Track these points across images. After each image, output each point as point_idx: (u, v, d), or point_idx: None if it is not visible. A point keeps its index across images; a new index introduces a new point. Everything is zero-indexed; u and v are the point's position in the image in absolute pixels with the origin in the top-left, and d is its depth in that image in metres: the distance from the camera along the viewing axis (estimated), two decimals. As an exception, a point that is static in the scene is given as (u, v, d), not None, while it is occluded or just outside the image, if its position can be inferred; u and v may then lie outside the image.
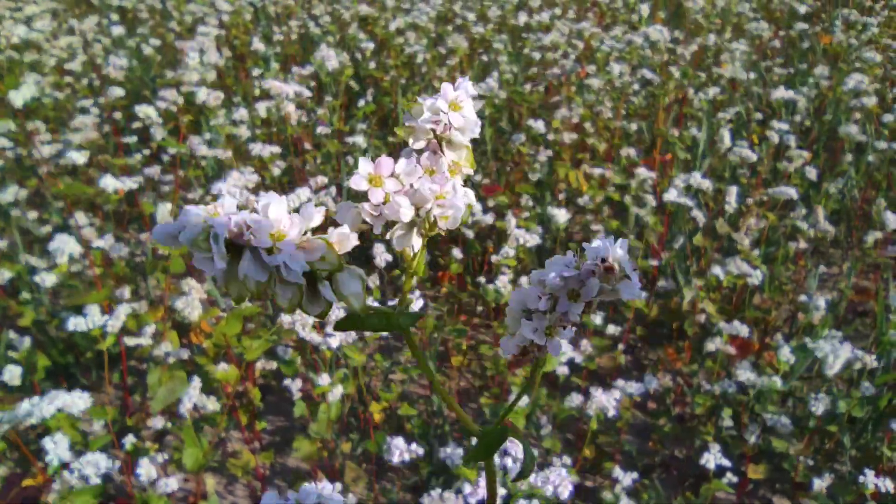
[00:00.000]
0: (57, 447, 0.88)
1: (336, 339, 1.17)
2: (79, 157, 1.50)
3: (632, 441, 1.76)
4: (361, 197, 0.35)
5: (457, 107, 0.35)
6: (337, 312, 1.15)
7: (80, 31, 2.89)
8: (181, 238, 0.29)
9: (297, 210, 0.31)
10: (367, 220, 0.34)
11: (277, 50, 3.17)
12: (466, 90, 0.36)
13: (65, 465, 0.92)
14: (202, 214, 0.29)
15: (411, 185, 0.35)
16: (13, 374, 1.25)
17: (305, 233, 0.31)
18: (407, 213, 0.34)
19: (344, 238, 0.33)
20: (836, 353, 1.34)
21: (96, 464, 0.91)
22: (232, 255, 0.30)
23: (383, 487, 1.64)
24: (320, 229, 0.33)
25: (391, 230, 0.35)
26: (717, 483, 1.31)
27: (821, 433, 1.59)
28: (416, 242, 0.36)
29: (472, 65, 3.09)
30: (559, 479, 0.83)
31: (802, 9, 3.02)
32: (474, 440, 0.41)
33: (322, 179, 1.70)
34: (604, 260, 0.34)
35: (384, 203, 0.34)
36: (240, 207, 0.30)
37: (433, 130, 0.36)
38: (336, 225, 0.34)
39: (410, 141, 0.36)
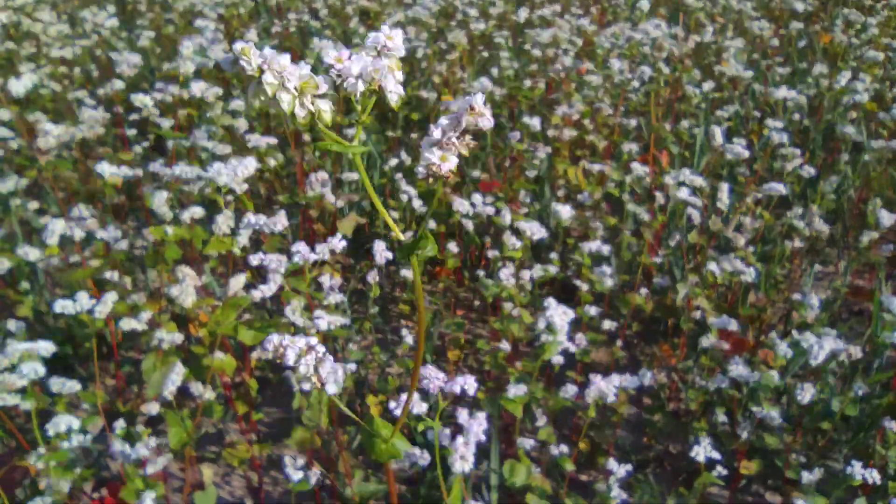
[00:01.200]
0: (29, 367, 0.92)
1: (324, 322, 1.18)
2: (76, 134, 1.49)
3: (626, 436, 1.77)
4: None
5: (390, 38, 0.53)
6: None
7: (81, 21, 2.89)
8: (234, 51, 0.48)
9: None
10: (333, 76, 0.51)
11: (276, 42, 3.17)
12: (398, 32, 0.54)
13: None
14: (245, 44, 0.48)
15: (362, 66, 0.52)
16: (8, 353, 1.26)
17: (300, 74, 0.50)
18: (356, 69, 0.51)
19: (320, 82, 0.50)
20: (820, 345, 1.35)
21: (69, 424, 0.94)
22: (258, 75, 0.49)
23: (379, 479, 1.65)
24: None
25: (346, 83, 0.52)
26: (707, 476, 1.32)
27: (814, 431, 1.60)
28: (361, 86, 0.52)
29: (472, 60, 3.09)
30: (465, 380, 0.85)
31: (801, 7, 3.02)
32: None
33: (322, 175, 1.70)
34: (470, 104, 0.51)
35: (341, 64, 0.52)
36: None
37: (376, 48, 0.54)
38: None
39: (363, 53, 0.53)
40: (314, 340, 0.63)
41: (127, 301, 1.30)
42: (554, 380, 1.82)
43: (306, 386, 1.20)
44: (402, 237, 0.59)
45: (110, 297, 1.16)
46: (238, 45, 0.48)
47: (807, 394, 1.38)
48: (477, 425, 0.95)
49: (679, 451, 1.72)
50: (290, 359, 0.62)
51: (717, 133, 1.92)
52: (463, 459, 0.96)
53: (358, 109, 0.54)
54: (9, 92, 1.37)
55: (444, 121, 0.53)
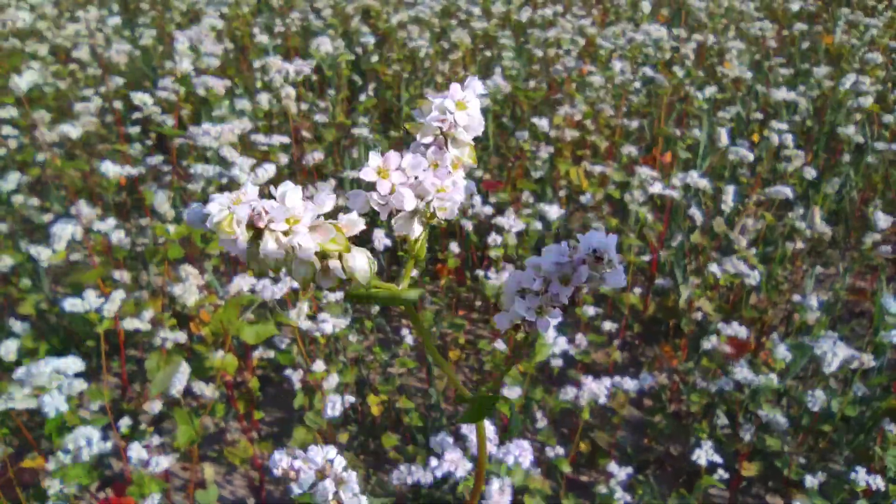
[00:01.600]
0: (54, 399, 0.90)
1: (329, 325, 1.18)
2: (72, 131, 1.49)
3: (627, 437, 1.77)
4: (370, 186, 0.39)
5: (463, 106, 0.38)
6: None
7: (84, 20, 2.89)
8: (207, 223, 0.34)
9: (310, 198, 0.35)
10: (375, 207, 0.38)
11: (279, 42, 3.17)
12: (474, 90, 0.39)
13: (63, 427, 0.93)
14: (226, 201, 0.34)
15: (416, 178, 0.38)
16: (9, 349, 1.27)
17: (318, 217, 0.35)
18: (410, 203, 0.38)
19: (352, 223, 0.36)
20: (834, 352, 1.35)
21: (88, 437, 0.92)
22: (253, 236, 0.34)
23: (379, 480, 1.65)
24: (332, 214, 0.37)
25: (394, 217, 0.39)
26: (708, 479, 1.32)
27: (815, 432, 1.60)
28: (417, 229, 0.39)
29: (474, 60, 3.09)
30: (519, 450, 0.85)
31: (798, 7, 3.02)
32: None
33: (318, 156, 1.71)
34: (595, 250, 0.37)
35: (390, 193, 0.38)
36: (261, 194, 0.35)
37: (440, 128, 0.39)
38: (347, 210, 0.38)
39: (419, 136, 0.39)
40: (332, 453, 0.52)
41: (129, 298, 1.30)
42: (556, 381, 1.82)
43: None
44: (467, 394, 0.46)
45: (118, 296, 1.16)
46: (212, 208, 0.33)
47: (818, 402, 1.38)
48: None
49: (680, 453, 1.72)
50: (305, 484, 0.51)
51: (723, 134, 1.92)
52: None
53: (411, 243, 0.40)
54: (13, 88, 1.37)
55: (549, 265, 0.38)
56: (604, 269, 0.37)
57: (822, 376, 1.60)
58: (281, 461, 0.52)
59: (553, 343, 1.32)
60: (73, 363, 0.99)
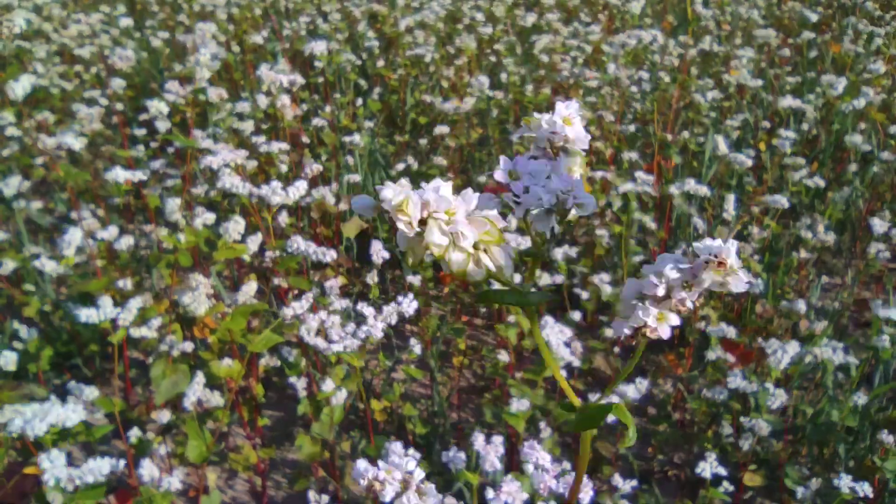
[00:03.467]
0: (54, 465, 0.85)
1: (339, 345, 1.18)
2: (75, 143, 1.49)
3: (630, 446, 1.76)
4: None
5: (569, 122, 0.42)
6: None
7: (87, 22, 2.89)
8: (385, 204, 0.36)
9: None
10: (511, 204, 0.41)
11: (286, 45, 3.18)
12: (576, 109, 0.42)
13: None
14: (402, 192, 0.36)
15: (544, 182, 0.41)
16: (8, 360, 1.26)
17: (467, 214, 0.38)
18: (547, 199, 0.40)
19: (497, 219, 0.39)
20: (784, 350, 1.35)
21: (98, 470, 0.89)
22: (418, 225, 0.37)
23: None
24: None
25: (531, 215, 0.41)
26: (714, 492, 1.32)
27: (817, 443, 1.60)
28: (555, 225, 0.41)
29: (479, 65, 3.10)
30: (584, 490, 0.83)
31: (816, 18, 3.02)
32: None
33: (317, 167, 1.70)
34: (716, 255, 0.38)
35: (525, 192, 0.40)
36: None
37: (549, 141, 0.42)
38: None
39: (532, 149, 0.43)
40: (412, 465, 0.53)
41: (140, 302, 1.30)
42: (558, 389, 1.82)
43: None
44: (577, 402, 0.46)
45: (134, 304, 1.16)
46: (389, 191, 0.36)
47: (778, 399, 1.37)
48: (493, 452, 0.94)
49: (684, 462, 1.72)
50: (388, 495, 0.52)
51: (721, 142, 1.92)
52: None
53: (537, 243, 0.41)
54: (9, 95, 1.37)
55: (671, 272, 0.39)
56: (727, 273, 0.38)
57: (826, 387, 1.60)
58: (367, 472, 0.53)
59: (561, 357, 1.32)
60: (74, 412, 0.92)
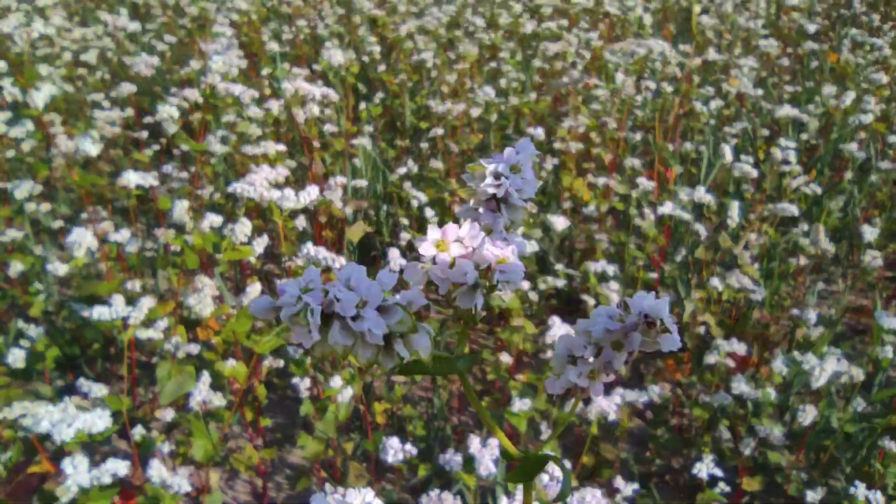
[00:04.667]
0: (77, 471, 0.87)
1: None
2: (92, 149, 1.51)
3: (629, 450, 1.78)
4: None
5: (518, 170, 0.38)
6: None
7: (102, 23, 2.91)
8: (282, 317, 0.33)
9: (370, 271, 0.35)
10: (435, 281, 0.37)
11: (287, 49, 3.20)
12: (528, 153, 0.39)
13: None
14: (296, 290, 0.33)
15: (474, 249, 0.37)
16: (17, 357, 1.27)
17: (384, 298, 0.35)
18: (472, 277, 0.37)
19: (413, 302, 0.36)
20: (822, 366, 1.37)
21: (114, 471, 0.91)
22: (322, 326, 0.33)
23: (383, 488, 1.66)
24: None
25: (455, 290, 0.38)
26: (710, 493, 1.34)
27: (816, 448, 1.61)
28: (479, 301, 0.38)
29: (480, 71, 3.12)
30: (595, 499, 0.84)
31: (814, 29, 3.05)
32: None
33: (341, 180, 1.72)
34: (646, 316, 0.36)
35: (451, 267, 0.37)
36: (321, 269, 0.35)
37: (494, 193, 0.39)
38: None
39: (472, 201, 0.39)
40: (370, 496, 0.49)
41: (151, 302, 1.31)
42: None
43: None
44: (515, 452, 0.42)
45: (146, 304, 1.17)
46: (286, 299, 0.32)
47: (808, 415, 1.40)
48: (489, 455, 0.95)
49: (682, 466, 1.73)
50: None
51: (727, 150, 1.94)
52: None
53: (466, 312, 0.38)
54: (30, 104, 1.38)
55: (599, 333, 0.37)
56: (657, 333, 0.36)
57: (823, 392, 1.62)
58: None
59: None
60: (101, 419, 0.93)
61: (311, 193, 1.25)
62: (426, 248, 0.37)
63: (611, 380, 0.39)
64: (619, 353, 0.38)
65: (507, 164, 0.39)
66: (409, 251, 2.15)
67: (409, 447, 1.24)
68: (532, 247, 1.68)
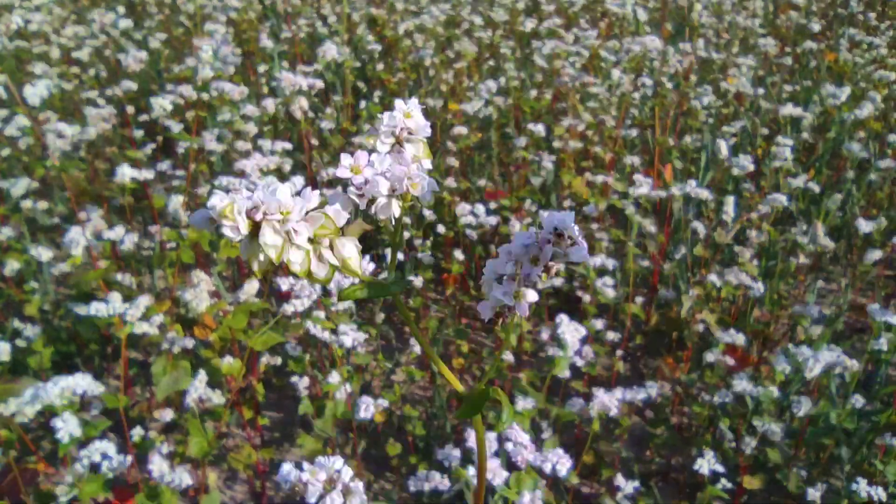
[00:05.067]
0: (67, 424, 0.89)
1: (349, 338, 1.18)
2: (90, 130, 1.48)
3: (629, 449, 1.77)
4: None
5: (409, 115, 0.44)
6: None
7: (89, 21, 2.89)
8: (212, 212, 0.36)
9: (298, 194, 0.39)
10: (354, 199, 0.42)
11: (285, 48, 3.19)
12: (415, 104, 0.45)
13: (78, 443, 0.92)
14: (227, 196, 0.36)
15: (385, 171, 0.43)
16: (1, 351, 1.26)
17: (307, 212, 0.39)
18: (384, 187, 0.42)
19: (337, 213, 0.39)
20: (816, 358, 1.36)
21: (104, 451, 0.91)
22: (252, 232, 0.37)
23: (382, 487, 1.65)
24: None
25: (374, 205, 0.43)
26: (712, 489, 1.33)
27: (816, 446, 1.61)
28: (396, 209, 0.43)
29: (479, 69, 3.11)
30: (557, 457, 0.85)
31: (817, 28, 3.05)
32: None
33: (333, 172, 1.71)
34: (556, 228, 0.41)
35: (365, 184, 0.42)
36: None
37: (393, 133, 0.45)
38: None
39: (378, 144, 0.45)
40: (339, 464, 0.52)
41: (148, 300, 1.30)
42: (556, 391, 1.82)
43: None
44: (461, 388, 0.48)
45: (143, 301, 1.16)
46: (215, 201, 0.35)
47: (804, 407, 1.39)
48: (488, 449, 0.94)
49: (682, 465, 1.73)
50: (312, 496, 0.51)
51: (723, 147, 1.94)
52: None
53: (388, 230, 0.44)
54: (25, 99, 1.37)
55: (516, 248, 0.42)
56: (566, 245, 0.40)
57: (822, 389, 1.61)
58: (290, 474, 0.53)
59: (572, 356, 1.33)
60: (83, 380, 0.96)
61: (296, 185, 1.24)
62: (342, 171, 0.42)
63: (534, 299, 0.42)
64: (536, 266, 0.41)
65: (399, 111, 0.44)
66: (410, 250, 2.14)
67: (381, 401, 1.25)
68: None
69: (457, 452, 1.22)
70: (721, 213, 1.82)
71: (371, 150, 0.44)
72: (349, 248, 0.39)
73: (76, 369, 1.88)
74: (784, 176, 2.05)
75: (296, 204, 0.37)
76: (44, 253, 1.32)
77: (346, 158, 0.42)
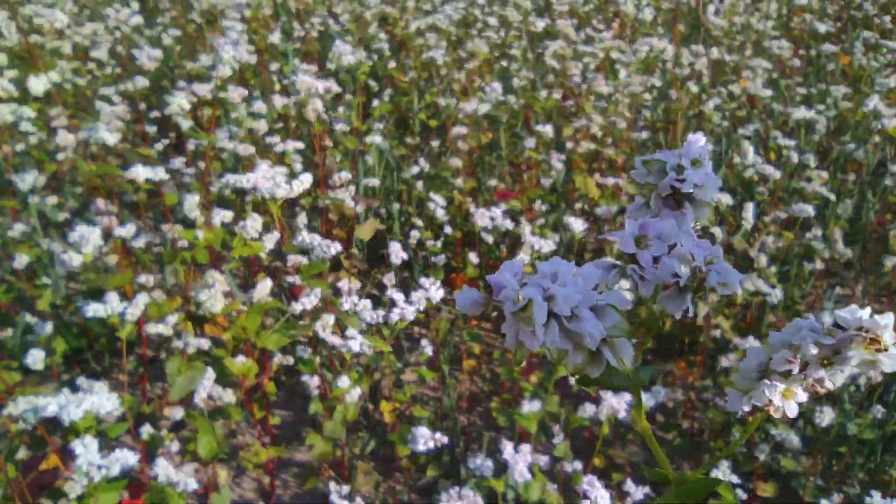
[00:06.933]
0: (87, 451, 0.86)
1: (356, 343, 1.18)
2: (109, 138, 1.48)
3: (640, 453, 1.76)
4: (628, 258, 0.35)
5: (698, 163, 0.34)
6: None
7: (103, 17, 2.89)
8: (506, 307, 0.29)
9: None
10: (635, 279, 0.33)
11: (297, 46, 3.18)
12: (704, 148, 0.35)
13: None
14: (516, 285, 0.30)
15: (672, 246, 0.33)
16: (36, 359, 1.25)
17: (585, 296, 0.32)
18: (685, 277, 0.33)
19: (625, 302, 0.32)
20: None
21: (124, 461, 0.90)
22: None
23: (391, 487, 1.65)
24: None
25: (660, 293, 0.34)
26: (725, 491, 1.32)
27: (831, 454, 1.59)
28: (689, 305, 0.33)
29: (491, 69, 3.10)
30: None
31: (825, 30, 3.03)
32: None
33: (345, 176, 1.70)
34: (867, 330, 0.33)
35: (655, 265, 0.33)
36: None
37: (672, 188, 0.35)
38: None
39: (653, 197, 0.35)
40: None
41: (147, 298, 1.29)
42: (569, 394, 1.81)
43: None
44: (672, 474, 0.39)
45: (142, 300, 1.15)
46: (510, 290, 0.29)
47: (826, 417, 1.38)
48: (522, 461, 0.93)
49: (694, 471, 1.71)
50: None
51: (749, 150, 1.92)
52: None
53: (655, 318, 0.35)
54: (29, 90, 1.36)
55: (811, 348, 0.33)
56: (880, 351, 0.32)
57: (838, 398, 1.60)
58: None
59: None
60: (108, 401, 0.94)
61: (304, 182, 1.23)
62: (627, 245, 0.32)
63: (804, 400, 0.35)
64: (830, 371, 0.34)
65: (687, 157, 0.35)
66: (419, 249, 2.13)
67: (440, 435, 1.20)
68: (549, 247, 1.66)
69: (489, 463, 1.17)
70: (738, 218, 1.81)
71: (620, 211, 0.35)
72: (629, 349, 0.32)
73: (86, 365, 1.89)
74: (792, 169, 2.03)
75: (586, 294, 0.30)
76: (73, 257, 1.31)
77: (630, 225, 0.32)
